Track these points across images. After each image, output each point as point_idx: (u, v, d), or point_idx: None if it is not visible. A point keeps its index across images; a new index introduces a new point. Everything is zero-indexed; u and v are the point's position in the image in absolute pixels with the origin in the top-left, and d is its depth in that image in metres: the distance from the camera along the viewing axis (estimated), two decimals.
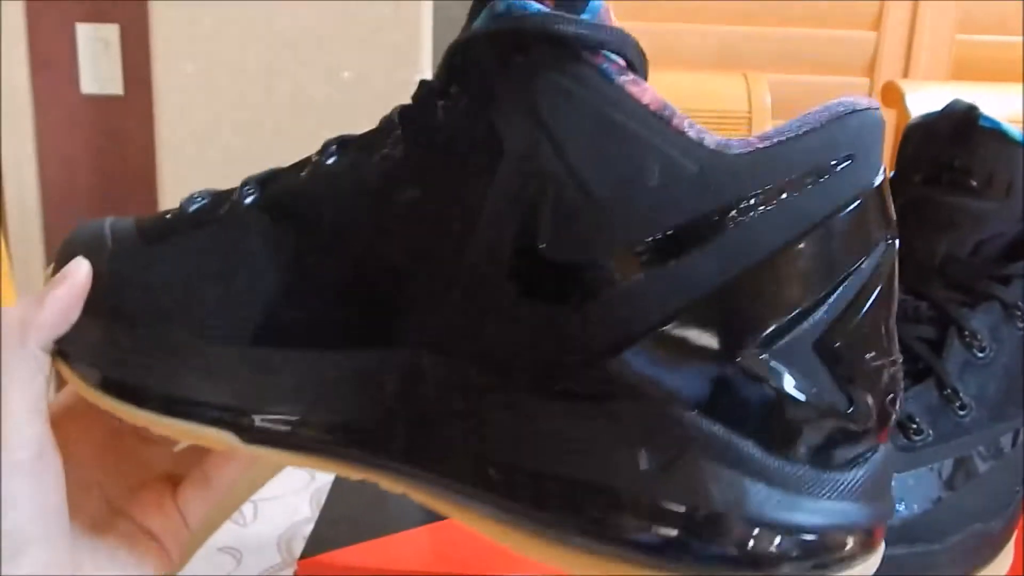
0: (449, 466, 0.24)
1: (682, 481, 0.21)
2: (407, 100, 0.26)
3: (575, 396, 0.22)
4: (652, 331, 0.21)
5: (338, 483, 0.45)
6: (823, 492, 0.22)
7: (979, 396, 0.36)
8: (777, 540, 0.21)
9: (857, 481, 0.22)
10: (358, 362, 0.24)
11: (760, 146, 0.22)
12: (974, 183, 0.38)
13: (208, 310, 0.26)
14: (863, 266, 0.22)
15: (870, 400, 0.22)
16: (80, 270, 0.28)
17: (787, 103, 1.32)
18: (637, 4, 1.29)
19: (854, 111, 0.22)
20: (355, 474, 0.26)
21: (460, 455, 0.23)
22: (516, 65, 0.23)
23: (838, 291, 0.21)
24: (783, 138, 0.22)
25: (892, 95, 1.26)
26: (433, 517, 0.41)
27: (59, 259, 0.29)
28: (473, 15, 0.25)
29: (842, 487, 0.22)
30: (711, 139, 0.22)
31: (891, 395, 0.23)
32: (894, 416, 0.23)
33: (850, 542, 0.22)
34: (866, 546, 0.22)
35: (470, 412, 0.23)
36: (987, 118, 0.38)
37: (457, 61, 0.24)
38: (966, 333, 0.37)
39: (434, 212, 0.24)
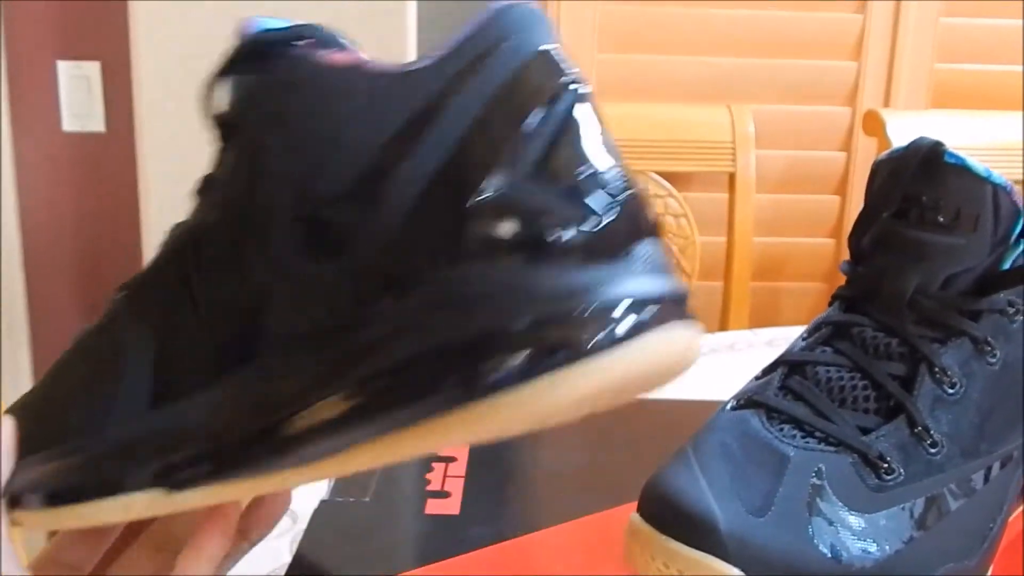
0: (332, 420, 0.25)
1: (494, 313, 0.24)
2: None
3: (375, 316, 0.24)
4: (409, 225, 0.24)
5: (311, 529, 0.44)
6: (616, 277, 0.24)
7: (950, 433, 0.36)
8: (598, 321, 0.23)
9: (633, 265, 0.25)
10: (237, 382, 0.27)
11: (435, 55, 0.25)
12: (941, 218, 0.38)
13: (99, 397, 0.29)
14: (554, 112, 0.25)
15: (598, 206, 0.25)
16: (5, 422, 0.30)
17: (771, 133, 1.33)
18: (621, 36, 1.30)
19: (495, 14, 0.25)
20: (273, 485, 0.27)
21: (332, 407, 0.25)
22: (251, 82, 0.27)
23: (536, 138, 0.25)
24: (449, 47, 0.25)
25: (873, 123, 1.27)
26: (418, 563, 0.41)
27: None
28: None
29: (628, 270, 0.25)
30: (396, 65, 0.26)
31: (621, 196, 0.25)
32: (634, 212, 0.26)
33: (656, 308, 0.24)
34: (671, 313, 0.25)
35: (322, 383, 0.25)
36: (952, 154, 0.38)
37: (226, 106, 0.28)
38: (937, 369, 0.37)
39: (223, 231, 0.27)
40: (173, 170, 1.06)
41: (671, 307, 0.25)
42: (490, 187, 0.24)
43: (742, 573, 0.31)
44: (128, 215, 1.23)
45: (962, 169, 0.38)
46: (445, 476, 0.48)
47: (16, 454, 0.30)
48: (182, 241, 0.29)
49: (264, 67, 0.27)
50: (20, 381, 1.30)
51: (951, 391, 0.37)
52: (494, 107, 0.25)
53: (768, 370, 0.40)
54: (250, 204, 0.26)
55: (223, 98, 0.27)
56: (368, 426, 0.25)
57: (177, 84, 1.04)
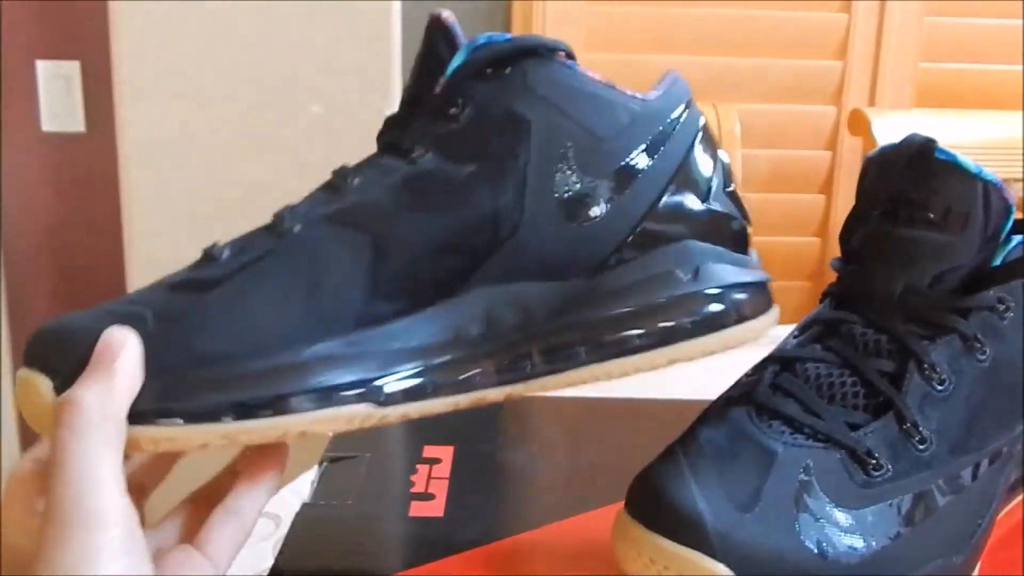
0: (567, 353, 0.34)
1: (707, 279, 0.35)
2: (375, 131, 0.36)
3: (622, 263, 0.34)
4: (653, 207, 0.35)
5: (293, 532, 0.43)
6: (754, 264, 0.37)
7: (939, 430, 0.36)
8: (743, 294, 0.35)
9: (755, 257, 0.37)
10: (448, 309, 0.33)
11: (656, 93, 0.37)
12: (932, 216, 0.38)
13: (302, 315, 0.32)
14: (720, 154, 0.38)
15: (743, 213, 0.38)
16: (128, 336, 0.29)
17: (756, 131, 1.34)
18: (608, 35, 1.30)
19: (676, 79, 0.38)
20: (470, 401, 0.33)
21: (573, 342, 0.34)
22: (512, 71, 0.34)
23: (720, 167, 0.37)
24: (663, 91, 0.37)
25: (859, 122, 1.28)
26: (402, 566, 0.40)
27: (34, 353, 0.31)
28: (433, 48, 0.35)
29: (755, 260, 0.37)
30: (637, 94, 0.36)
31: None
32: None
33: (765, 294, 0.37)
34: (770, 298, 0.37)
35: (558, 310, 0.34)
36: (943, 151, 0.38)
37: (456, 81, 0.34)
38: (926, 366, 0.36)
39: (489, 178, 0.34)
40: (155, 170, 1.05)
41: (766, 292, 0.37)
42: (703, 197, 0.36)
43: (728, 569, 0.31)
44: (109, 214, 1.22)
45: (952, 166, 0.38)
46: (429, 478, 0.47)
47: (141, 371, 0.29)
48: (408, 179, 0.34)
49: (540, 65, 0.35)
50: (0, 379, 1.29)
51: (940, 388, 0.36)
52: (698, 145, 0.36)
53: (758, 368, 0.39)
54: (512, 160, 0.34)
55: (486, 79, 0.35)
56: (608, 350, 0.34)
57: (158, 83, 1.03)
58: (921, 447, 0.35)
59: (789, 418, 0.36)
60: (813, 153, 1.37)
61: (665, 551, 0.32)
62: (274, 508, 0.57)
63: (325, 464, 0.48)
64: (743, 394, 0.38)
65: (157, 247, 1.04)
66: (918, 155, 0.38)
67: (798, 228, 1.38)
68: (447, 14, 0.35)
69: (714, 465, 0.34)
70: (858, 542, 0.33)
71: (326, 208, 0.34)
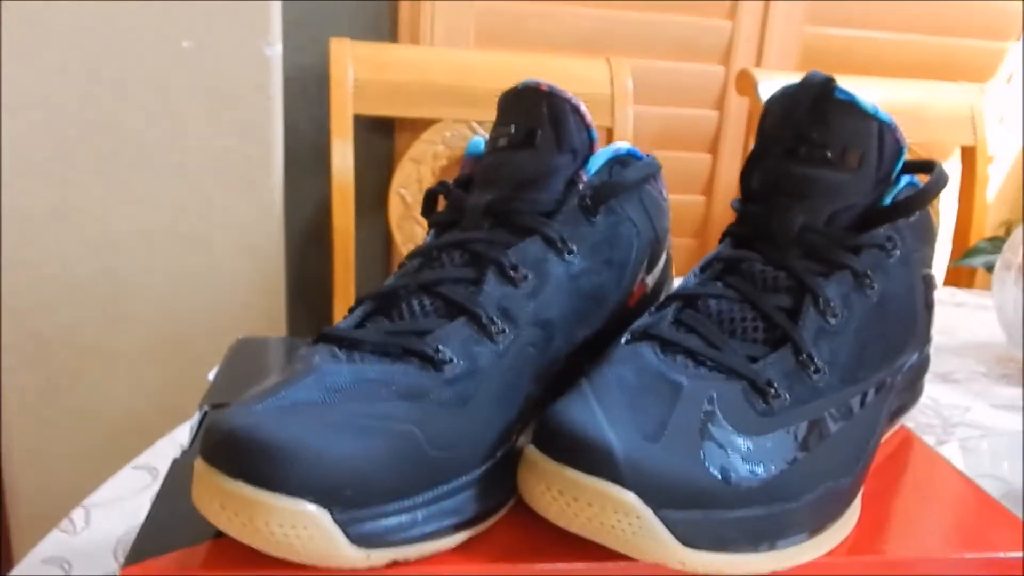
0: None
1: None
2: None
3: None
4: None
5: (169, 482, 0.41)
6: None
7: (832, 361, 0.37)
8: None
9: None
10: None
11: None
12: (829, 155, 0.39)
13: (515, 415, 0.38)
14: None
15: None
16: None
17: (648, 88, 1.35)
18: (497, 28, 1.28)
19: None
20: None
21: None
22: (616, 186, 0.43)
23: None
24: None
25: (746, 83, 1.31)
26: None
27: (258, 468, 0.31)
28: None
29: None
30: None
31: None
32: None
33: None
34: None
35: None
36: (842, 91, 0.39)
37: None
38: (820, 301, 0.38)
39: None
40: (33, 166, 0.97)
41: None
42: None
43: (636, 496, 0.31)
44: None
45: (851, 106, 0.39)
46: None
47: None
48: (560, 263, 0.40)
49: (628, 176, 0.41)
50: None
51: (833, 322, 0.38)
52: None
53: (662, 305, 0.40)
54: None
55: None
56: None
57: (41, 82, 0.95)
58: (815, 377, 0.37)
59: (692, 352, 0.37)
60: (701, 112, 1.40)
61: (574, 482, 0.32)
62: (151, 460, 0.55)
63: (205, 410, 0.46)
64: (648, 330, 0.38)
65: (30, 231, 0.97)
66: (818, 94, 0.39)
67: (685, 186, 1.41)
68: None
69: (621, 399, 0.34)
70: (758, 468, 0.34)
71: (521, 319, 0.38)
